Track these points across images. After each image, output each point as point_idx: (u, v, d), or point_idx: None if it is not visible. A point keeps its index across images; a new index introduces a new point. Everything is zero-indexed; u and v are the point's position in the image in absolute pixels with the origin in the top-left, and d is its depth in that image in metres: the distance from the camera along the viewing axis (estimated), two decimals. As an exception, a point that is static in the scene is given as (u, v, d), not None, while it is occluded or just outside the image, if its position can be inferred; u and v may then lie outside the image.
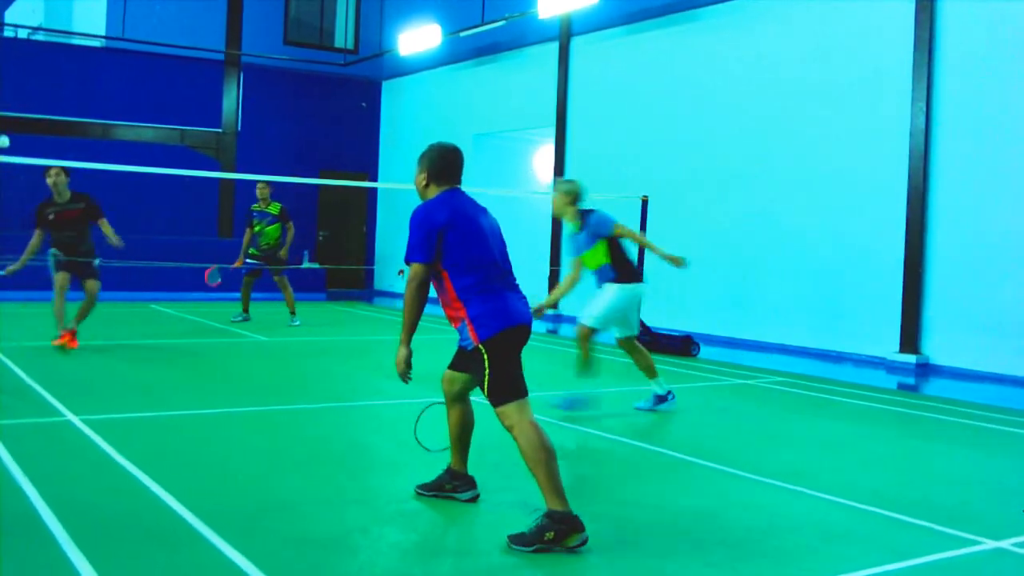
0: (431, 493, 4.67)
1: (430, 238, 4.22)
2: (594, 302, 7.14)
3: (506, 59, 17.71)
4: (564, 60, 16.16)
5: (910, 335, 10.81)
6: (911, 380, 10.03)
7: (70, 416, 6.15)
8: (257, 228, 12.27)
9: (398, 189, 20.36)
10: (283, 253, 12.41)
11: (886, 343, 11.05)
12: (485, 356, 4.24)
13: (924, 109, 10.81)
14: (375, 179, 21.18)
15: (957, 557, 4.08)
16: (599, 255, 7.12)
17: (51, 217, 9.19)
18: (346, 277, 20.80)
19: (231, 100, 19.38)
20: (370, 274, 21.23)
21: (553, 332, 13.98)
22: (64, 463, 5.08)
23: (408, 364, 4.36)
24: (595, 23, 15.46)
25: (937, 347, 10.70)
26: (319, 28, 20.89)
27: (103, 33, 18.84)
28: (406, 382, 4.42)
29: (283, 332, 11.86)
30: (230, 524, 4.05)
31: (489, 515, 4.47)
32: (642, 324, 11.28)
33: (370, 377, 8.82)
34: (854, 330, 11.47)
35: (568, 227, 7.22)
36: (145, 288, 15.88)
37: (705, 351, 11.29)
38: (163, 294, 15.73)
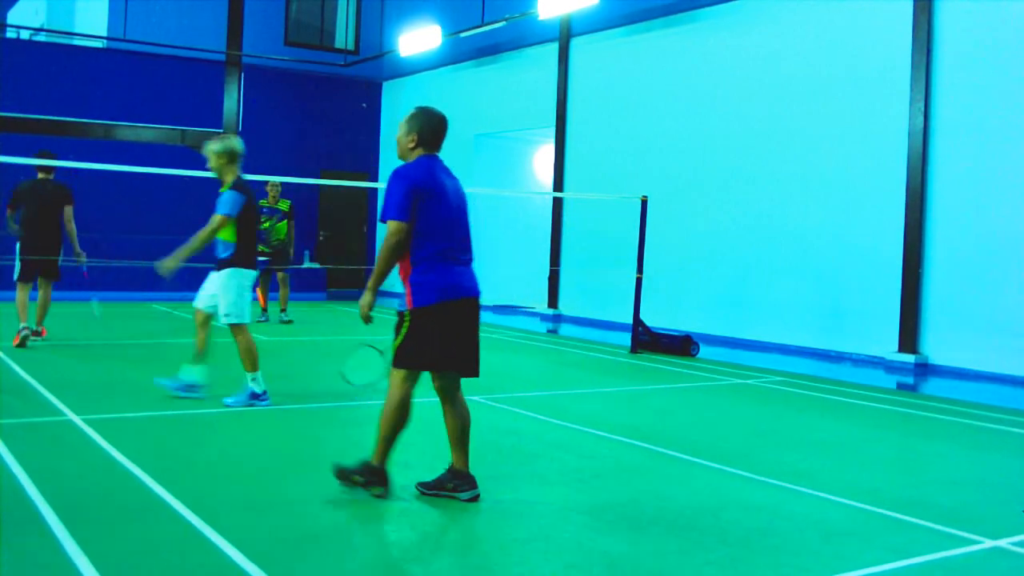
0: (432, 492, 4.68)
1: (407, 198, 4.42)
2: (223, 291, 6.69)
3: (506, 60, 17.73)
4: (564, 61, 16.17)
5: (909, 335, 10.82)
6: (910, 380, 10.04)
7: (71, 415, 6.16)
8: (266, 224, 12.31)
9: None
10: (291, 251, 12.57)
11: (885, 343, 11.07)
12: (407, 322, 4.53)
13: (923, 109, 10.82)
14: (375, 179, 21.18)
15: (956, 556, 4.09)
16: (229, 230, 6.69)
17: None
18: (346, 277, 20.81)
19: (232, 100, 19.38)
20: (370, 274, 21.26)
21: (553, 332, 13.98)
22: (65, 462, 5.09)
23: (371, 308, 4.72)
24: (595, 24, 15.47)
25: (936, 347, 10.71)
26: (320, 29, 20.91)
27: (104, 34, 18.86)
28: (367, 324, 4.77)
29: (284, 332, 11.88)
30: (230, 522, 4.06)
31: (489, 514, 4.47)
32: (642, 323, 11.30)
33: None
34: (853, 330, 11.48)
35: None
36: (145, 288, 15.88)
37: (705, 351, 11.30)
38: (163, 294, 15.73)
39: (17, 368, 7.97)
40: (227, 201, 6.64)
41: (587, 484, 5.15)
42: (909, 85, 10.96)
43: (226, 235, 6.70)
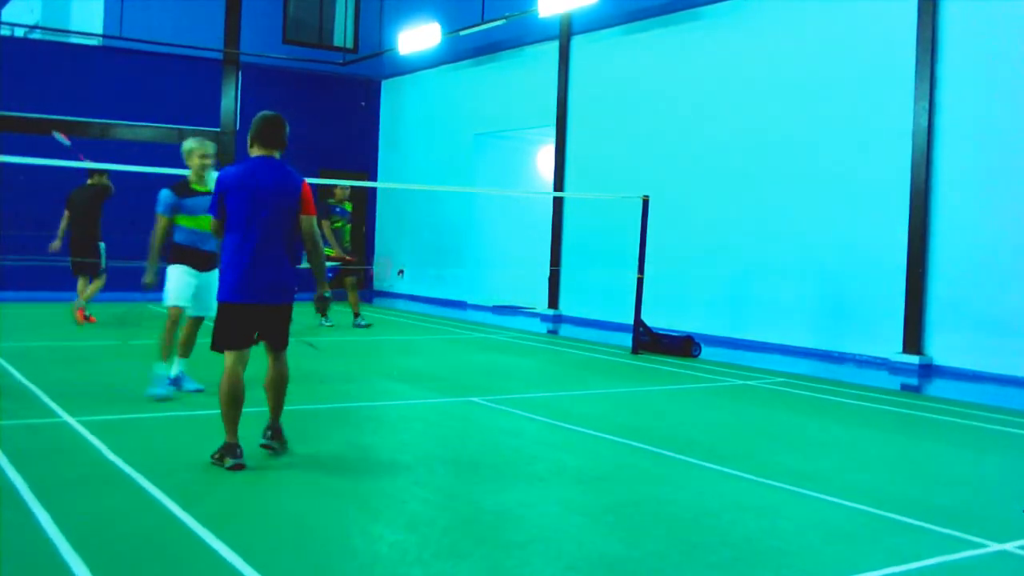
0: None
1: (215, 198, 5.27)
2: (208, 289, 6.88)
3: (506, 58, 17.69)
4: (564, 59, 16.14)
5: (913, 336, 10.78)
6: (914, 381, 10.01)
7: (67, 417, 6.15)
8: (338, 224, 12.24)
9: (397, 188, 20.35)
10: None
11: (889, 344, 11.02)
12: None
13: (927, 109, 10.77)
14: (374, 178, 21.15)
15: (960, 560, 4.06)
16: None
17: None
18: (343, 275, 20.74)
19: (230, 99, 19.35)
20: (369, 274, 21.21)
21: (553, 332, 13.95)
22: (60, 464, 5.07)
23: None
24: (595, 22, 15.44)
25: (940, 348, 10.66)
26: (318, 27, 20.87)
27: (100, 32, 18.80)
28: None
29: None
30: (227, 525, 4.05)
31: (489, 516, 4.45)
32: (643, 324, 11.26)
33: (370, 377, 8.81)
34: (856, 331, 11.44)
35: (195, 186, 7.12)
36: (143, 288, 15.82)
37: (706, 351, 11.26)
38: (162, 294, 15.66)
39: (12, 370, 7.95)
40: (159, 200, 7.07)
41: (588, 485, 5.15)
42: (913, 84, 10.92)
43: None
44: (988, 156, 10.35)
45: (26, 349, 9.23)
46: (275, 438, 5.37)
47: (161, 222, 7.04)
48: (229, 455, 5.00)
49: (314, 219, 5.32)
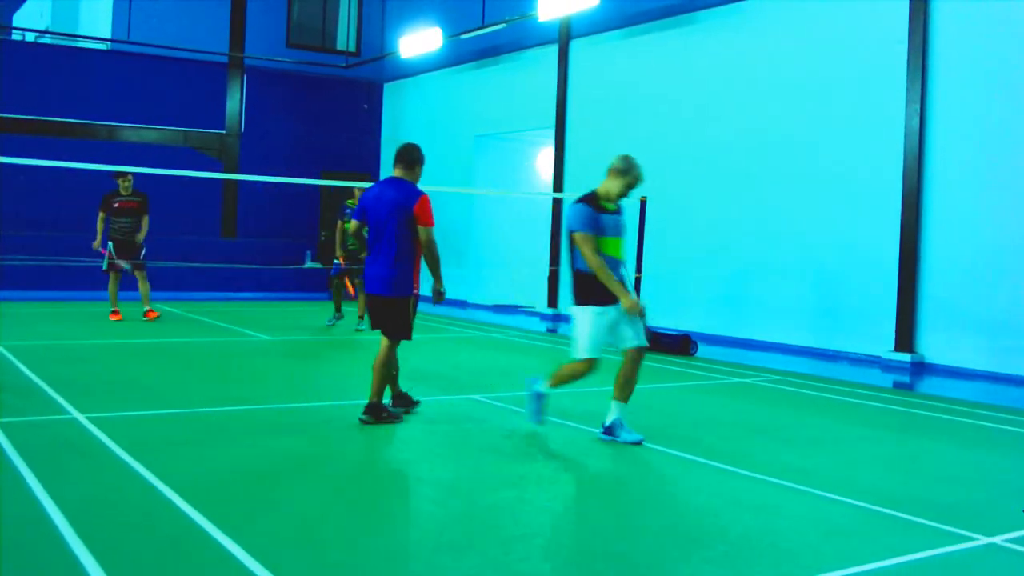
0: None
1: (359, 208, 6.40)
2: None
3: (506, 61, 17.78)
4: (564, 62, 16.22)
5: (905, 334, 10.88)
6: (906, 378, 10.09)
7: (76, 414, 6.20)
8: (348, 225, 12.32)
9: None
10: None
11: (882, 342, 11.12)
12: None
13: (918, 111, 10.87)
14: (376, 180, 21.23)
15: (952, 553, 4.11)
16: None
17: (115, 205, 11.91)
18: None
19: (234, 102, 19.46)
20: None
21: (553, 332, 14.03)
22: (70, 461, 5.11)
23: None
24: (594, 26, 15.52)
25: (932, 346, 10.77)
26: (321, 31, 20.96)
27: (108, 36, 18.93)
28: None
29: (285, 332, 11.94)
30: (235, 521, 4.08)
31: (490, 512, 4.51)
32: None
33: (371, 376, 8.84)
34: (850, 329, 11.54)
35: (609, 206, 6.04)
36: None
37: (703, 350, 11.34)
38: (166, 293, 15.80)
39: (22, 367, 8.02)
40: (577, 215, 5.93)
41: (587, 482, 5.19)
42: (905, 87, 11.02)
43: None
44: (979, 157, 10.45)
45: (33, 347, 9.31)
46: (367, 412, 6.25)
47: (589, 244, 5.79)
48: (373, 414, 6.20)
49: (431, 229, 6.24)
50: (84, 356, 9.16)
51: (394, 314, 6.28)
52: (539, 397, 6.13)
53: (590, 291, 5.86)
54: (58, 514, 4.04)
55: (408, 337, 6.35)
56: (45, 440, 5.55)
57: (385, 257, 6.22)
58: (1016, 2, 10.17)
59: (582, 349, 5.91)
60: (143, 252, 12.15)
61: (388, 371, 6.36)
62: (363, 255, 11.93)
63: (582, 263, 5.89)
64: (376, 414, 6.24)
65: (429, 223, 6.22)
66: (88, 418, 6.08)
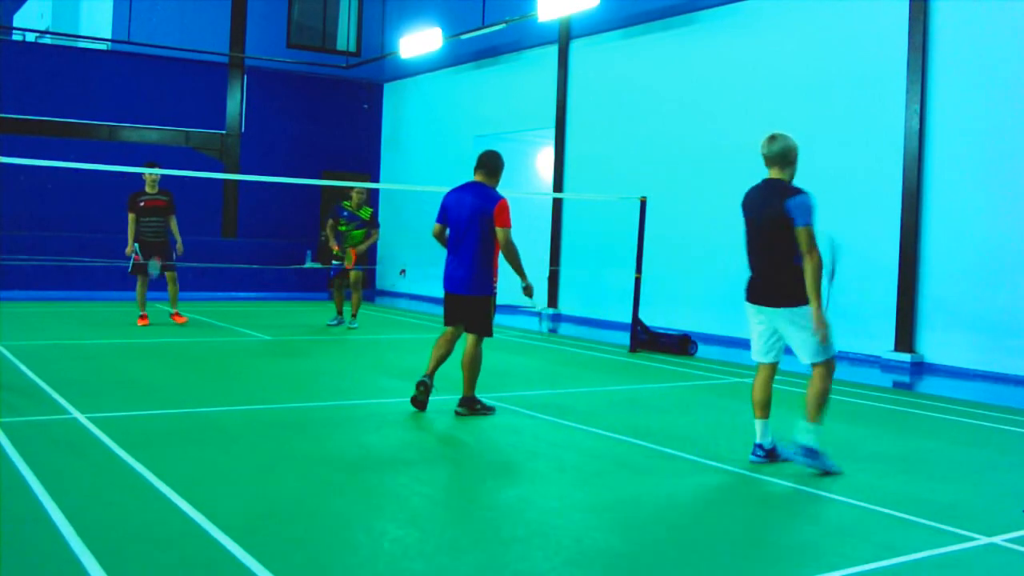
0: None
1: (440, 209, 6.75)
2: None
3: (506, 62, 17.80)
4: (564, 63, 16.24)
5: (905, 334, 10.89)
6: (906, 378, 10.10)
7: (76, 414, 6.21)
8: (343, 228, 12.34)
9: (399, 190, 20.45)
10: (363, 248, 12.48)
11: (881, 342, 11.13)
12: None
13: (918, 111, 10.88)
14: (377, 180, 21.25)
15: (951, 553, 4.13)
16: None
17: (141, 204, 11.67)
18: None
19: (235, 102, 19.48)
20: (372, 274, 21.33)
21: (553, 331, 14.04)
22: (70, 461, 5.13)
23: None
24: (594, 26, 15.54)
25: (932, 346, 10.78)
26: (322, 31, 20.98)
27: (109, 36, 18.95)
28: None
29: (286, 331, 11.94)
30: (234, 521, 4.09)
31: (489, 512, 4.53)
32: (641, 323, 11.37)
33: (372, 375, 8.88)
34: (849, 328, 11.53)
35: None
36: (149, 288, 15.95)
37: (703, 350, 11.35)
38: (166, 294, 15.80)
39: (22, 367, 8.03)
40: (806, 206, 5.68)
41: (586, 482, 5.19)
42: (905, 87, 11.03)
43: None
44: (979, 157, 10.46)
45: (34, 346, 9.32)
46: (462, 405, 6.69)
47: (815, 240, 5.50)
48: (468, 406, 6.68)
49: (508, 230, 6.50)
50: (84, 356, 9.16)
51: (476, 312, 6.62)
52: (814, 453, 5.30)
53: (802, 289, 5.40)
54: (58, 514, 4.05)
55: (489, 334, 6.71)
56: (45, 440, 5.56)
57: (466, 258, 6.56)
58: (1016, 2, 10.18)
59: (828, 349, 5.67)
60: (175, 255, 12.06)
61: (477, 366, 6.68)
62: (348, 247, 12.13)
63: (799, 258, 5.45)
64: (471, 406, 6.70)
65: (507, 224, 6.50)
66: (88, 418, 6.09)
